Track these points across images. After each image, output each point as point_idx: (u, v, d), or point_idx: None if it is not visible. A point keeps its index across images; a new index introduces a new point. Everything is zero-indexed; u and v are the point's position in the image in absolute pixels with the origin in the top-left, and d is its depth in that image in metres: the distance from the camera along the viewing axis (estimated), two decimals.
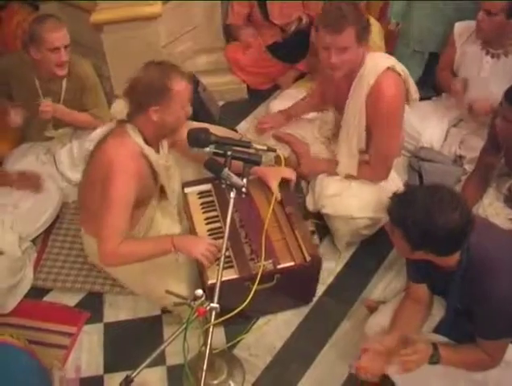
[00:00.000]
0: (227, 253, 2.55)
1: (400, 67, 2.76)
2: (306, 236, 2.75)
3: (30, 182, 3.22)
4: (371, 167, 2.89)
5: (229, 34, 4.21)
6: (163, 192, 2.79)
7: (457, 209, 1.94)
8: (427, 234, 1.96)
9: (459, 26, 3.43)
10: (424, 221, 1.95)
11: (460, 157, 3.46)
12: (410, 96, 2.82)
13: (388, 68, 2.71)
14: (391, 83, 2.71)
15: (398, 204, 2.05)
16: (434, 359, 2.16)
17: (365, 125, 2.82)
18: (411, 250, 2.07)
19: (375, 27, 3.50)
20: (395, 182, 3.03)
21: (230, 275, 2.57)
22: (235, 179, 2.26)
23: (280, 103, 3.79)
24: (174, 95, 2.37)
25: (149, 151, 2.48)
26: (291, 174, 2.91)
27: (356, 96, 2.77)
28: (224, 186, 2.29)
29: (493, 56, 3.30)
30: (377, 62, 2.73)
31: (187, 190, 2.99)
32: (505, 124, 2.60)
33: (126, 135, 2.43)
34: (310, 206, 3.10)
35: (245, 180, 2.29)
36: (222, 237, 2.26)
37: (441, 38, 3.73)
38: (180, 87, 2.39)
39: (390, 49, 3.92)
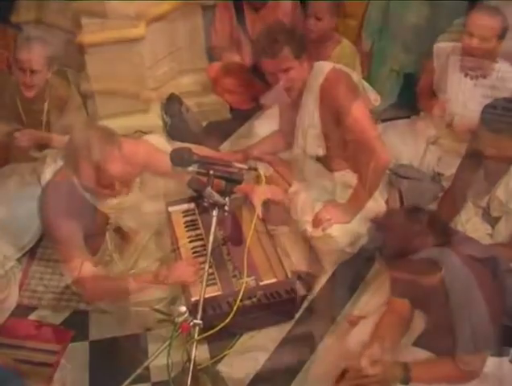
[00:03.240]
0: (210, 270, 2.60)
1: (347, 69, 2.93)
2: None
3: None
4: (372, 157, 2.82)
5: (213, 56, 4.22)
6: None
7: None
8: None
9: (438, 48, 3.40)
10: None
11: (439, 174, 3.48)
12: (369, 101, 2.99)
13: (334, 67, 2.87)
14: (340, 74, 2.87)
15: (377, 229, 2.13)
16: (404, 381, 2.18)
17: (320, 126, 2.92)
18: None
19: (349, 49, 3.58)
20: (376, 199, 3.06)
21: (213, 292, 2.62)
22: (217, 198, 2.29)
23: (263, 122, 3.80)
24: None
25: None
26: (276, 194, 2.99)
27: (307, 94, 2.88)
28: (206, 204, 2.32)
29: (471, 78, 3.28)
30: (322, 66, 2.89)
31: (171, 208, 3.03)
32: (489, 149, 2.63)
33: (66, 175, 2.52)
34: None
35: (227, 198, 2.32)
36: (205, 255, 2.29)
37: (418, 58, 3.75)
38: None
39: (366, 71, 3.95)
